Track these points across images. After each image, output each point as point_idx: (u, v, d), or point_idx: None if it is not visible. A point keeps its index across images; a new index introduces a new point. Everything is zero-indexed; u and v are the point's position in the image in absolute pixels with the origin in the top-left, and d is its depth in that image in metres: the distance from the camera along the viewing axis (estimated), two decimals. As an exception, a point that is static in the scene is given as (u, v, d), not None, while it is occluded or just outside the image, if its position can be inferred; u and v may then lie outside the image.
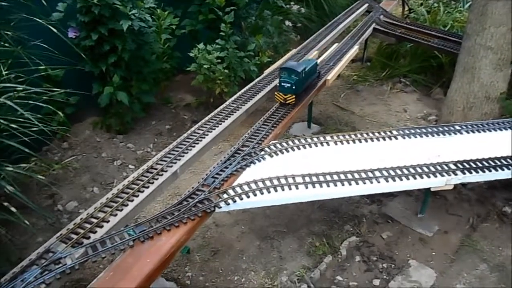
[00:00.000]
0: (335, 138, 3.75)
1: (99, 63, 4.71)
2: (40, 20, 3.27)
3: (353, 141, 3.73)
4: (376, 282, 3.37)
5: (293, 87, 4.02)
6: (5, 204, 3.00)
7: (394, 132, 3.87)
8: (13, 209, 2.97)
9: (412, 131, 3.91)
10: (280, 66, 4.21)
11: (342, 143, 3.71)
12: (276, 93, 4.17)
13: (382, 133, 3.84)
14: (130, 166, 4.86)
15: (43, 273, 2.34)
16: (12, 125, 2.77)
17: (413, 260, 3.55)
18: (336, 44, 5.84)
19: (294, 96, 4.07)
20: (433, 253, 3.64)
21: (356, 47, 5.65)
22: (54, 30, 3.21)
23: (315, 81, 4.72)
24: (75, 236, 2.57)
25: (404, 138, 3.83)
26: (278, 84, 4.17)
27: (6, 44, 3.26)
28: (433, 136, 3.90)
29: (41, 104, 3.29)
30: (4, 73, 2.82)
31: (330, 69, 4.99)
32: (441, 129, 3.97)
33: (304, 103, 4.41)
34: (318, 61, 5.03)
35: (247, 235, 3.92)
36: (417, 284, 3.32)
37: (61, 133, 3.73)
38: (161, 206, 4.27)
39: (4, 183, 2.70)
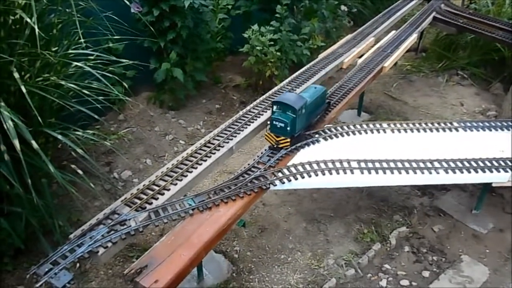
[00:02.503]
0: (392, 126, 3.68)
1: (158, 39, 4.82)
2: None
3: (411, 130, 3.65)
4: (426, 273, 3.32)
5: (288, 128, 3.09)
6: (73, 166, 3.16)
7: (455, 124, 3.75)
8: (79, 171, 3.13)
9: (474, 124, 3.77)
10: (274, 99, 3.27)
11: (399, 132, 3.64)
12: (266, 133, 3.25)
13: (442, 124, 3.73)
14: (181, 141, 4.99)
15: (110, 232, 2.47)
16: (84, 91, 2.90)
17: (466, 255, 3.47)
18: (393, 32, 5.68)
19: (288, 140, 3.17)
20: (487, 251, 3.54)
21: (414, 35, 5.48)
22: (126, 1, 3.30)
23: (322, 115, 3.72)
24: (138, 201, 2.69)
25: (465, 130, 3.70)
26: (269, 122, 3.22)
27: (78, 15, 3.38)
28: (496, 130, 3.75)
29: (107, 74, 3.40)
30: (81, 40, 2.96)
31: (387, 56, 4.87)
32: (505, 124, 3.80)
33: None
34: (376, 47, 4.92)
35: (294, 216, 3.95)
36: (469, 279, 3.25)
37: (125, 99, 3.83)
38: (210, 182, 4.37)
39: (75, 146, 2.85)
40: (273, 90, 4.23)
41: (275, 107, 3.15)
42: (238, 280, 3.27)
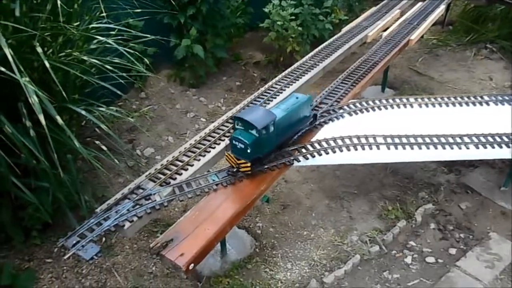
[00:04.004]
0: (420, 100, 3.56)
1: (178, 15, 4.76)
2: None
3: (439, 104, 3.53)
4: (452, 251, 3.26)
5: (248, 150, 2.56)
6: (97, 142, 3.18)
7: (486, 98, 3.60)
8: (103, 147, 3.15)
9: (506, 97, 3.61)
10: (236, 113, 2.80)
11: (427, 106, 3.52)
12: (226, 153, 2.78)
13: (472, 98, 3.59)
14: (202, 119, 4.98)
15: (135, 206, 2.48)
16: (107, 67, 2.89)
17: (494, 233, 3.39)
18: (420, 3, 5.46)
19: (248, 165, 2.64)
20: (516, 228, 3.45)
21: (442, 6, 5.26)
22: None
23: (302, 132, 3.07)
24: (162, 176, 2.69)
25: (496, 104, 3.55)
26: (229, 140, 2.75)
27: (99, -11, 3.35)
28: (529, 104, 3.59)
29: (128, 50, 3.37)
30: (103, 14, 2.93)
31: (414, 28, 4.69)
32: (539, 97, 3.63)
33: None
34: (401, 19, 4.72)
35: (316, 193, 3.92)
36: (497, 257, 3.17)
37: (149, 75, 3.78)
38: (231, 159, 4.35)
39: (99, 123, 2.85)
40: (294, 66, 4.14)
41: (236, 124, 2.64)
42: (261, 256, 3.28)
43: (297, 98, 2.94)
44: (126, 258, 3.27)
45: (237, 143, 2.59)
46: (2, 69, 2.27)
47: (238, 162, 2.65)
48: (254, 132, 2.56)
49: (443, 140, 3.08)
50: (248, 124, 2.56)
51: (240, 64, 6.02)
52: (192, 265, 2.25)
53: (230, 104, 5.30)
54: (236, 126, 2.65)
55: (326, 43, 4.61)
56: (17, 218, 3.11)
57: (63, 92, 2.66)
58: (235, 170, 2.71)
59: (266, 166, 2.81)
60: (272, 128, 2.64)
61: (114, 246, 3.36)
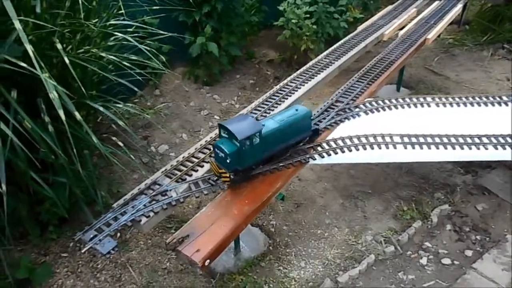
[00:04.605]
0: (437, 99, 3.52)
1: (193, 13, 4.77)
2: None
3: (457, 104, 3.48)
4: (469, 253, 3.22)
5: (228, 160, 2.45)
6: (114, 138, 3.21)
7: (504, 98, 3.55)
8: (120, 143, 3.17)
9: (526, 98, 3.56)
10: (221, 121, 2.60)
11: (444, 106, 3.47)
12: (210, 160, 2.68)
13: (491, 98, 3.53)
14: (215, 116, 4.99)
15: (151, 202, 2.50)
16: (125, 63, 2.91)
17: (511, 235, 3.33)
18: (436, 2, 5.39)
19: (227, 175, 2.54)
20: (534, 231, 3.39)
21: (459, 5, 5.19)
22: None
23: (298, 147, 2.91)
24: (178, 173, 2.70)
25: (516, 104, 3.50)
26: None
27: (116, -13, 3.37)
28: (550, 105, 3.52)
29: (144, 47, 3.39)
30: (122, 11, 2.95)
31: (431, 27, 4.64)
32: (560, 98, 3.56)
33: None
34: (418, 18, 4.67)
35: (330, 192, 3.90)
36: (515, 260, 3.12)
37: (166, 71, 3.76)
38: (245, 156, 4.35)
39: (116, 119, 2.88)
40: (308, 64, 4.12)
41: (221, 131, 2.53)
42: (274, 253, 3.27)
43: (296, 110, 2.75)
44: (141, 253, 3.29)
45: (218, 151, 2.49)
46: (24, 64, 2.29)
47: (220, 171, 2.55)
48: (235, 142, 2.43)
49: (460, 140, 3.03)
50: (231, 133, 2.43)
51: (254, 62, 6.02)
52: (208, 261, 2.25)
53: (244, 102, 5.30)
54: (222, 134, 2.53)
55: (341, 41, 4.59)
56: (34, 213, 3.15)
57: (82, 88, 2.69)
58: (215, 179, 2.62)
59: (281, 164, 2.81)
60: (257, 140, 2.48)
61: (129, 241, 3.39)
